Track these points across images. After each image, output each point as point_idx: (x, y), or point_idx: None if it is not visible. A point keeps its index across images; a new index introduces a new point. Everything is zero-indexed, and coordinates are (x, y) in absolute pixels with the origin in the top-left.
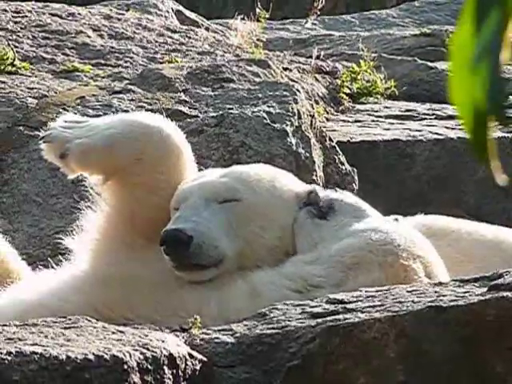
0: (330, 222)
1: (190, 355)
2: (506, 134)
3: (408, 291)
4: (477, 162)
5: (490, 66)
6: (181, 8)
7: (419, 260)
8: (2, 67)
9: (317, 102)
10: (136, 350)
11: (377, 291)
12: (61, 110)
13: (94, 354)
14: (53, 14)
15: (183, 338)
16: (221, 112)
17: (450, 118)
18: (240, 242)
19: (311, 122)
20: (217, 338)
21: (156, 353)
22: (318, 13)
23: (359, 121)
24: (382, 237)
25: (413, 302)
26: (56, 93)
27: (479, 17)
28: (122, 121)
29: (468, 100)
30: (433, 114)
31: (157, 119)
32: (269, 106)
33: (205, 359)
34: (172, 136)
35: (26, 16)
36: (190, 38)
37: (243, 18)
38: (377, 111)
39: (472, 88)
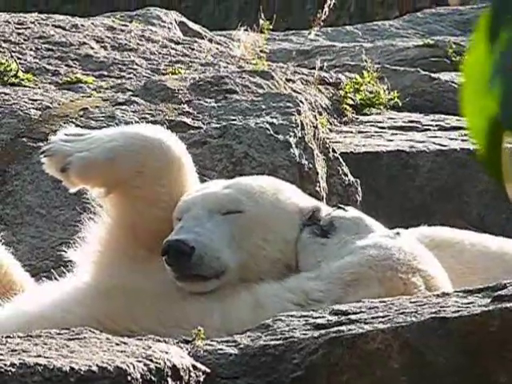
0: (332, 241)
1: (194, 367)
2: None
3: (411, 302)
4: (481, 172)
5: (505, 85)
6: (184, 19)
7: (419, 274)
8: (6, 79)
9: (320, 114)
10: (140, 362)
11: (380, 302)
12: (64, 122)
13: (97, 365)
14: (56, 26)
15: (187, 349)
16: (224, 123)
17: (454, 128)
18: (242, 254)
19: (314, 133)
20: (220, 349)
21: (160, 364)
22: (322, 24)
23: (362, 132)
24: (381, 252)
25: (416, 312)
26: (59, 104)
27: (492, 38)
28: (123, 133)
29: (482, 118)
30: (436, 125)
31: (157, 131)
32: (272, 117)
33: (208, 370)
34: (173, 148)
35: (29, 27)
36: (193, 49)
37: (246, 30)
38: (380, 122)
39: (486, 107)
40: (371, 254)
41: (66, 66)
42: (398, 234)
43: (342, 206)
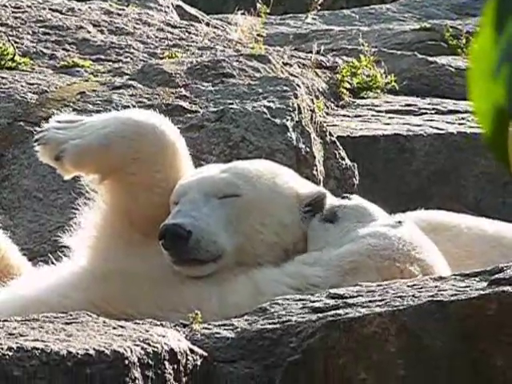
0: (336, 228)
1: (191, 350)
2: None
3: (408, 286)
4: (477, 156)
5: (510, 69)
6: (181, 3)
7: (417, 263)
8: (3, 63)
9: (317, 97)
10: (137, 346)
11: (377, 286)
12: (61, 106)
13: (94, 349)
14: (53, 10)
15: (184, 333)
16: (221, 107)
17: (450, 112)
18: (239, 238)
19: (311, 116)
20: (217, 333)
21: (157, 348)
22: (319, 8)
23: (359, 115)
24: (380, 242)
25: (413, 296)
26: (56, 88)
27: (499, 23)
28: (116, 119)
29: (488, 102)
30: (433, 109)
31: (151, 116)
32: (269, 101)
33: (205, 354)
34: (167, 133)
35: (26, 11)
36: (190, 33)
37: (243, 13)
38: (377, 106)
39: (493, 91)
40: (371, 243)
41: (63, 49)
42: (399, 222)
43: (348, 195)
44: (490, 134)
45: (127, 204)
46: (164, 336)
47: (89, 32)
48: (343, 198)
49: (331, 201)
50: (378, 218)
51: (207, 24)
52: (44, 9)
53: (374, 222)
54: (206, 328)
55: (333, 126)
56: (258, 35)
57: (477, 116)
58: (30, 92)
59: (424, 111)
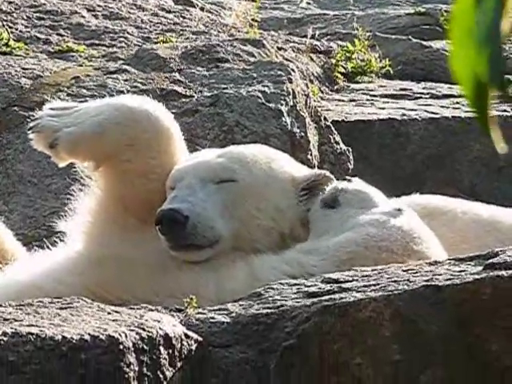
0: (336, 214)
1: (186, 335)
2: (500, 113)
3: (403, 270)
4: (472, 140)
5: (492, 39)
6: None
7: (415, 255)
8: None
9: (311, 82)
10: (132, 331)
11: (372, 270)
12: (55, 91)
13: (89, 334)
14: None
15: (179, 318)
16: (216, 92)
17: (445, 96)
18: (235, 223)
19: (306, 101)
20: (212, 317)
21: (152, 333)
22: None
23: (354, 100)
24: (379, 232)
25: (408, 281)
26: (51, 73)
27: None
28: (110, 106)
29: (469, 70)
30: (427, 93)
31: (144, 102)
32: (263, 86)
33: (200, 339)
34: (161, 119)
35: None
36: (184, 17)
37: None
38: (371, 90)
39: (473, 59)
40: (369, 232)
41: (58, 34)
42: (399, 210)
43: (350, 178)
44: (472, 101)
45: (122, 190)
46: (159, 321)
47: (83, 17)
48: (344, 179)
49: (331, 185)
50: (378, 203)
51: (201, 9)
52: None
53: (374, 209)
54: (200, 313)
55: (327, 110)
56: (253, 20)
57: (458, 80)
58: (25, 77)
59: (419, 95)
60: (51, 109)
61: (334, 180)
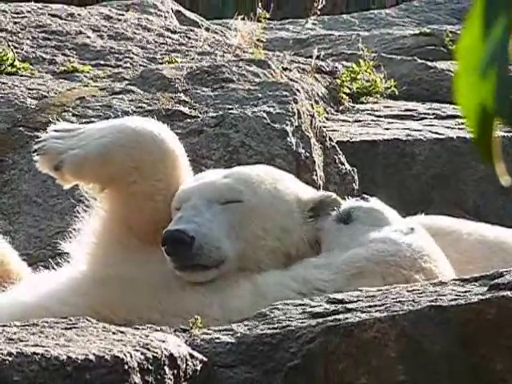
0: (348, 230)
1: (191, 355)
2: (506, 134)
3: (408, 291)
4: (477, 161)
5: (499, 69)
6: (180, 8)
7: (423, 272)
8: (2, 68)
9: (317, 102)
10: (137, 351)
11: (377, 291)
12: (60, 111)
13: (94, 354)
14: (52, 15)
15: (184, 338)
16: (221, 112)
17: (450, 117)
18: (241, 243)
19: (311, 121)
20: (217, 338)
21: (157, 353)
22: (318, 13)
23: (359, 120)
24: (388, 247)
25: (413, 301)
26: (56, 93)
27: (487, 21)
28: (114, 128)
29: (474, 101)
30: (433, 114)
31: (149, 124)
32: (269, 106)
33: (205, 359)
34: (166, 140)
35: (26, 17)
36: (189, 38)
37: (243, 18)
38: (377, 111)
39: (479, 90)
40: (378, 248)
41: (63, 55)
42: (412, 229)
43: (366, 196)
44: (476, 133)
45: (127, 212)
46: (164, 341)
47: (88, 37)
48: (361, 198)
49: (347, 201)
50: (392, 222)
51: (207, 29)
52: (44, 14)
53: (386, 227)
54: (205, 333)
55: (332, 130)
56: (258, 40)
57: (463, 114)
58: (30, 97)
59: (424, 116)
60: (55, 131)
61: (341, 202)
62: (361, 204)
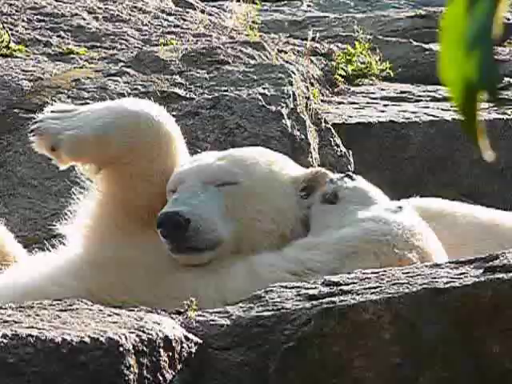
0: (336, 210)
1: (186, 337)
2: (500, 116)
3: (404, 273)
4: (472, 143)
5: (483, 45)
6: None
7: (416, 250)
8: None
9: (312, 84)
10: (132, 333)
11: (372, 273)
12: (56, 93)
13: (89, 336)
14: None
15: (179, 320)
16: (216, 94)
17: (445, 99)
18: (236, 225)
19: (306, 104)
20: (212, 320)
21: (152, 335)
22: None
23: (354, 103)
24: (380, 227)
25: (408, 283)
26: (51, 75)
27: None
28: (111, 109)
29: (459, 75)
30: (428, 96)
31: (146, 106)
32: (264, 88)
33: (200, 341)
34: (162, 122)
35: None
36: (185, 20)
37: (238, 0)
38: (372, 93)
39: (463, 64)
40: (370, 227)
41: (58, 37)
42: (400, 207)
43: (350, 174)
44: (460, 107)
45: (123, 193)
46: (159, 323)
47: (84, 19)
48: (346, 175)
49: (333, 179)
50: (378, 201)
51: (202, 11)
52: None
53: (374, 206)
54: (200, 315)
55: (328, 113)
56: (253, 22)
57: (447, 85)
58: (25, 79)
59: (419, 98)
60: (52, 111)
61: (331, 175)
62: (347, 182)
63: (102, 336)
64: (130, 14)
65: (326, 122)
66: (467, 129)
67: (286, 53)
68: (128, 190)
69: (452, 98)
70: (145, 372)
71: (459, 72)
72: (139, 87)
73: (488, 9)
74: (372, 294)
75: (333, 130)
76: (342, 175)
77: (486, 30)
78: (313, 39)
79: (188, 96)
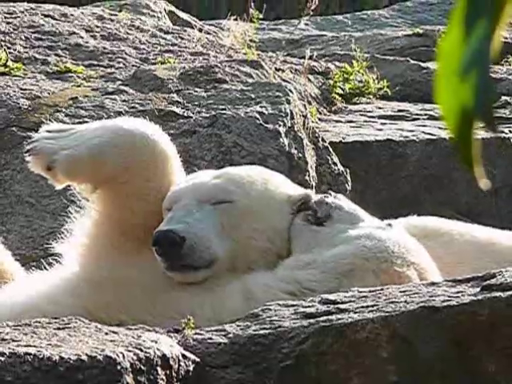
0: (326, 229)
1: (183, 356)
2: (497, 134)
3: (401, 291)
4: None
5: (479, 73)
6: (173, 9)
7: (413, 266)
8: None
9: (309, 103)
10: (129, 351)
11: (370, 291)
12: (53, 111)
13: (87, 354)
14: (45, 15)
15: (176, 338)
16: (213, 113)
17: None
18: (232, 244)
19: (304, 122)
20: (210, 338)
21: (149, 353)
22: (311, 13)
23: (352, 121)
24: (376, 244)
25: (405, 302)
26: (49, 94)
27: (468, 24)
28: (106, 129)
29: (454, 103)
30: (425, 114)
31: (142, 125)
32: (261, 107)
33: (198, 360)
34: (158, 141)
35: (19, 17)
36: (182, 38)
37: (236, 19)
38: (369, 111)
39: (459, 92)
40: (366, 245)
41: (56, 55)
42: (389, 225)
43: (332, 193)
44: (455, 135)
45: (119, 213)
46: (156, 341)
47: (81, 37)
48: (325, 193)
49: (322, 199)
50: (365, 219)
51: (200, 29)
52: (36, 14)
53: (363, 224)
54: (198, 333)
55: (325, 131)
56: (251, 41)
57: (443, 116)
58: (23, 97)
59: (416, 117)
60: (48, 131)
61: (311, 199)
62: (339, 203)
63: (99, 354)
64: (127, 33)
65: (323, 140)
66: (463, 157)
67: (283, 71)
68: (124, 209)
69: (447, 125)
70: None
71: (455, 100)
72: (137, 105)
73: (484, 36)
74: (369, 312)
75: (330, 149)
76: (325, 195)
77: (482, 56)
78: (310, 58)
79: (185, 114)
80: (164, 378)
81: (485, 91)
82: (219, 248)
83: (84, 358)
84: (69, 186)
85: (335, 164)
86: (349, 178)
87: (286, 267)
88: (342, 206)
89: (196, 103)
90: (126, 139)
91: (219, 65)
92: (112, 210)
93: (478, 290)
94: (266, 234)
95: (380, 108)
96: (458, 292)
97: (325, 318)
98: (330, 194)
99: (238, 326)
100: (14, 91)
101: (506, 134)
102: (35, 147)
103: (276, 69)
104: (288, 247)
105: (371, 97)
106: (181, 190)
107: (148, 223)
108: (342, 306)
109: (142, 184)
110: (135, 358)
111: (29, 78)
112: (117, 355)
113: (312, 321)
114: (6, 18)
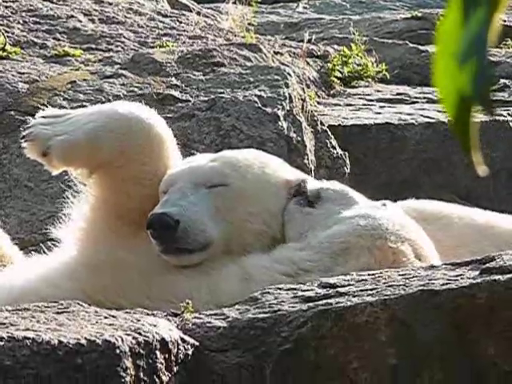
0: (319, 211)
1: (182, 340)
2: (496, 117)
3: (400, 275)
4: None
5: (478, 57)
6: None
7: (408, 243)
8: None
9: (308, 86)
10: (128, 335)
11: (369, 275)
12: (52, 95)
13: (86, 338)
14: None
15: (175, 322)
16: (212, 96)
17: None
18: (227, 227)
19: (302, 105)
20: (209, 322)
21: (148, 337)
22: None
23: (350, 104)
24: (370, 222)
25: (405, 285)
26: (47, 77)
27: (467, 7)
28: (102, 113)
29: (453, 87)
30: (424, 98)
31: (137, 109)
32: (260, 90)
33: (197, 343)
34: (153, 125)
35: (17, 1)
36: (181, 22)
37: (234, 2)
38: (368, 95)
39: (457, 76)
40: (360, 223)
41: (54, 39)
42: (384, 205)
43: (324, 180)
44: (453, 119)
45: (116, 196)
46: (155, 325)
47: (79, 21)
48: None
49: (312, 184)
50: (359, 202)
51: (198, 13)
52: None
53: (357, 205)
54: (197, 317)
55: (324, 115)
56: (249, 24)
57: (441, 99)
58: (21, 81)
59: (415, 100)
60: (43, 117)
61: (307, 186)
62: (328, 185)
63: (98, 338)
64: (125, 16)
65: (322, 123)
66: (461, 141)
67: (282, 55)
68: (120, 193)
69: (445, 109)
70: (141, 374)
71: (453, 83)
72: (135, 89)
73: (483, 21)
74: (368, 295)
75: (329, 132)
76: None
77: (481, 39)
78: (309, 41)
79: (184, 98)
80: (163, 361)
81: (483, 75)
82: (214, 231)
83: (83, 342)
84: (66, 171)
85: (334, 147)
86: (347, 162)
87: (282, 249)
88: (332, 188)
89: (194, 87)
90: (121, 123)
91: (218, 48)
92: (108, 194)
93: (477, 273)
94: (262, 217)
95: (379, 91)
96: (457, 275)
97: (324, 301)
98: (325, 180)
99: (237, 309)
100: (13, 75)
101: (505, 116)
102: (30, 133)
103: (274, 52)
104: (283, 230)
105: (370, 80)
106: (177, 173)
107: (144, 207)
108: (341, 290)
109: (138, 168)
110: (134, 341)
111: (27, 61)
112: (116, 339)
113: (311, 304)
114: (4, 1)
